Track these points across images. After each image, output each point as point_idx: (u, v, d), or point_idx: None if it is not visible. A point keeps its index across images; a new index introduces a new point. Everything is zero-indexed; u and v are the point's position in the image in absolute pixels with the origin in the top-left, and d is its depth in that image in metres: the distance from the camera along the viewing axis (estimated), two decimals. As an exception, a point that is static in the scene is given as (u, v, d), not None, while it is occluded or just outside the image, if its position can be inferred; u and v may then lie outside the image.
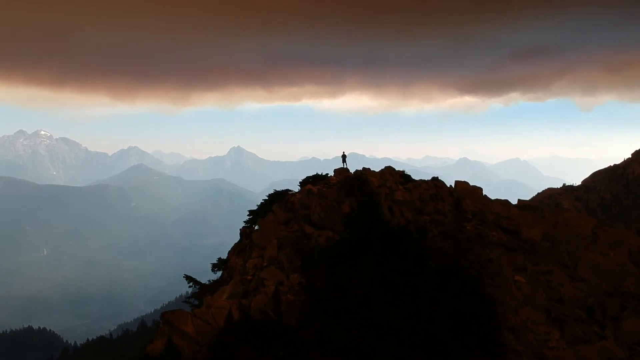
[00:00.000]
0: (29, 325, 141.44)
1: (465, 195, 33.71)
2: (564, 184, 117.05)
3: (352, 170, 37.22)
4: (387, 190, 32.44)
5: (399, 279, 22.62)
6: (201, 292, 30.03)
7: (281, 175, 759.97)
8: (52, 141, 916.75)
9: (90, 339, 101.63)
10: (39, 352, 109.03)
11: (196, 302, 29.28)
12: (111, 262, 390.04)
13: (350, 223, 26.93)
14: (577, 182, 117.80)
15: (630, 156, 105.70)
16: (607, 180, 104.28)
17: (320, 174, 38.15)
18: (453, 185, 36.10)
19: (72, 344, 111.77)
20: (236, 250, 32.85)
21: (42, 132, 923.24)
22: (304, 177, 39.88)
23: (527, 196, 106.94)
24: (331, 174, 38.04)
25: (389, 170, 36.65)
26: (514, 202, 36.89)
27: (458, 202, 30.44)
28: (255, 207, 37.53)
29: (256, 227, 33.42)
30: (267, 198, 36.67)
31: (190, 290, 36.96)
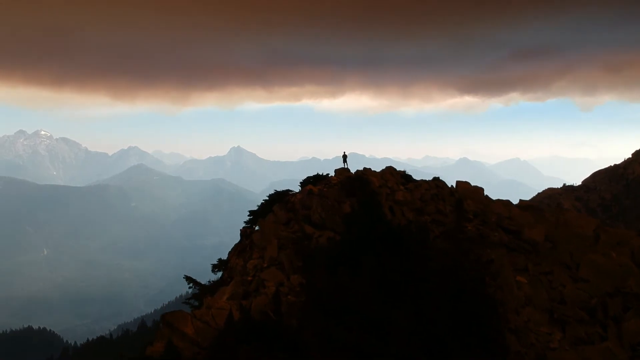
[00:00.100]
0: (29, 325, 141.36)
1: (467, 196, 33.61)
2: (564, 184, 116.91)
3: (352, 171, 37.10)
4: (388, 191, 32.33)
5: (400, 280, 22.53)
6: (201, 293, 29.92)
7: (281, 175, 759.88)
8: (52, 141, 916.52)
9: (90, 339, 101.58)
10: (39, 352, 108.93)
11: (196, 303, 29.16)
12: (111, 262, 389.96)
13: (351, 223, 26.82)
14: (578, 182, 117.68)
15: (630, 156, 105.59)
16: (607, 180, 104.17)
17: (320, 174, 38.02)
18: (454, 186, 36.01)
19: (72, 344, 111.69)
20: (236, 250, 32.73)
21: (42, 132, 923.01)
22: (304, 177, 39.76)
23: (527, 196, 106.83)
24: (331, 174, 37.92)
25: (389, 170, 36.54)
26: (514, 202, 36.80)
27: (459, 203, 30.33)
28: (255, 207, 37.42)
29: (256, 228, 33.30)
30: (267, 198, 36.56)
31: (190, 290, 36.86)
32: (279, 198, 35.16)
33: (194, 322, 20.19)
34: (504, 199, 35.87)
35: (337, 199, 30.78)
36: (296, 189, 37.74)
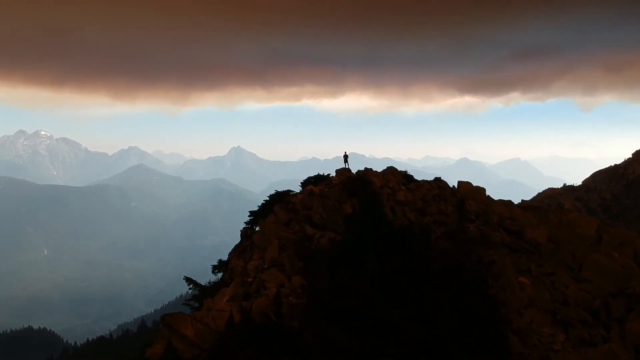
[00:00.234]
0: (29, 325, 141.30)
1: (468, 196, 33.44)
2: (564, 184, 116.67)
3: (353, 171, 36.92)
4: (390, 191, 32.16)
5: (401, 280, 22.37)
6: (201, 294, 29.74)
7: (281, 175, 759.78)
8: (52, 141, 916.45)
9: (90, 339, 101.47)
10: (39, 352, 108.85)
11: (196, 305, 28.99)
12: (111, 262, 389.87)
13: (352, 224, 26.64)
14: (578, 182, 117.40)
15: (630, 156, 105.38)
16: (607, 180, 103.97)
17: (321, 174, 37.85)
18: (456, 186, 35.84)
19: (72, 344, 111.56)
20: (237, 251, 32.55)
21: (42, 132, 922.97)
22: (304, 177, 39.59)
23: (528, 196, 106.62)
24: (331, 174, 37.75)
25: (391, 170, 36.37)
26: (515, 202, 36.62)
27: (461, 203, 30.15)
28: (255, 207, 37.24)
29: (257, 228, 33.12)
30: (268, 198, 36.37)
31: (190, 291, 36.67)
32: (279, 198, 34.99)
33: (194, 323, 20.04)
34: (504, 199, 35.71)
35: (338, 200, 30.61)
36: (296, 189, 37.58)
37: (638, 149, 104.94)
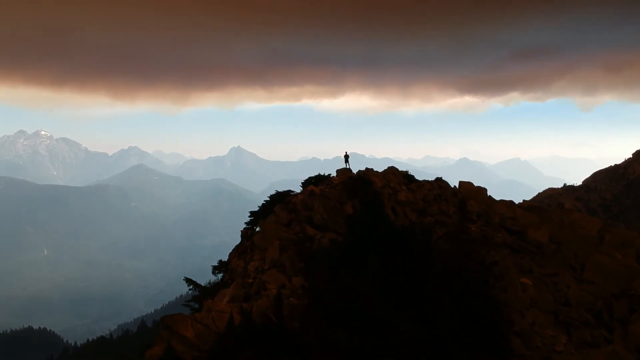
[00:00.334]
0: (29, 325, 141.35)
1: (470, 196, 33.28)
2: (564, 184, 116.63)
3: (354, 171, 36.78)
4: (391, 191, 32.02)
5: (403, 281, 22.23)
6: (201, 295, 29.59)
7: (281, 175, 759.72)
8: (52, 141, 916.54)
9: (90, 339, 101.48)
10: (39, 352, 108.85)
11: (196, 306, 28.85)
12: (111, 262, 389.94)
13: (353, 224, 26.49)
14: (578, 182, 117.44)
15: (631, 156, 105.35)
16: (607, 180, 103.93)
17: (322, 174, 37.72)
18: (457, 186, 35.69)
19: (72, 344, 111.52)
20: (237, 252, 32.41)
21: (42, 132, 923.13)
22: (304, 177, 39.48)
23: (528, 196, 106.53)
24: (331, 174, 37.63)
25: (392, 170, 36.22)
26: (515, 202, 36.46)
27: (463, 203, 29.99)
28: (255, 208, 37.13)
29: (257, 229, 32.99)
30: (268, 199, 36.24)
31: (190, 291, 36.55)
32: (280, 198, 34.86)
33: (194, 325, 19.89)
34: (505, 199, 35.58)
35: (339, 200, 30.48)
36: (297, 189, 37.45)
37: (638, 149, 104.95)
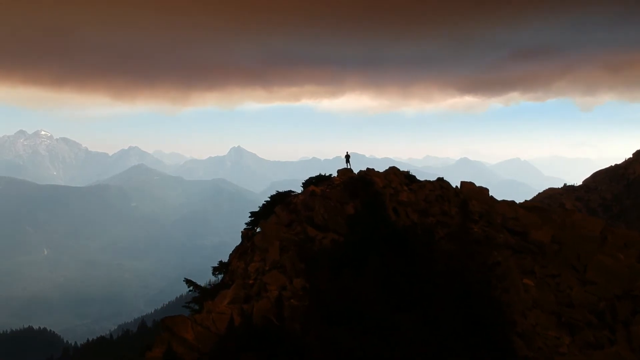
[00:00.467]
0: (29, 325, 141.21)
1: (472, 196, 33.10)
2: (564, 184, 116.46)
3: (355, 171, 36.59)
4: (392, 191, 31.83)
5: (404, 282, 22.08)
6: (202, 296, 29.41)
7: (281, 176, 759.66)
8: (52, 141, 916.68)
9: (90, 339, 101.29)
10: (39, 352, 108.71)
11: (196, 307, 28.66)
12: (111, 262, 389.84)
13: (354, 225, 26.33)
14: (578, 182, 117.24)
15: (631, 156, 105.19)
16: (608, 180, 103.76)
17: (323, 174, 37.52)
18: (458, 186, 35.51)
19: (73, 344, 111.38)
20: (237, 253, 32.23)
21: (43, 132, 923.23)
22: (304, 177, 39.29)
23: (528, 196, 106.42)
24: (332, 174, 37.44)
25: (393, 170, 36.02)
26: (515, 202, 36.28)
27: (465, 204, 29.82)
28: (255, 208, 36.96)
29: (258, 229, 32.80)
30: (269, 199, 36.05)
31: (190, 292, 36.39)
32: (280, 199, 34.67)
33: (194, 327, 19.73)
34: (505, 199, 35.42)
35: (340, 200, 30.30)
36: (297, 189, 37.28)
37: (638, 149, 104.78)
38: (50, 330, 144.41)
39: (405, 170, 38.21)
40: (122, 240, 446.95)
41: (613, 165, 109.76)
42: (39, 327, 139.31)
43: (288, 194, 35.49)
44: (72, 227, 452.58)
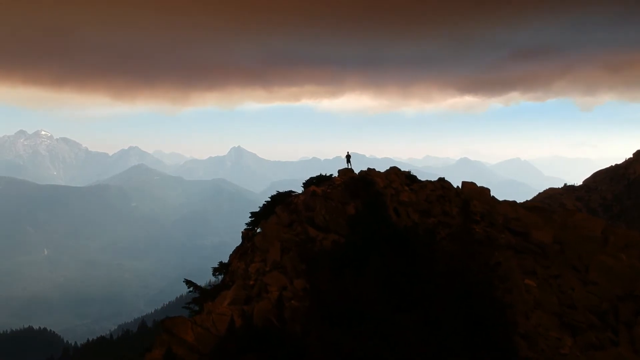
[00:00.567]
0: (29, 325, 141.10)
1: (473, 197, 32.96)
2: (565, 184, 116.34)
3: (355, 171, 36.46)
4: (393, 191, 31.70)
5: (405, 283, 21.97)
6: (202, 297, 29.25)
7: (281, 176, 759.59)
8: (53, 141, 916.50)
9: (90, 339, 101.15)
10: (39, 352, 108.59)
11: (196, 308, 28.49)
12: (111, 262, 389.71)
13: (355, 225, 26.21)
14: (578, 182, 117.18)
15: (631, 156, 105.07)
16: (608, 180, 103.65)
17: (324, 174, 37.38)
18: (459, 186, 35.37)
19: (72, 344, 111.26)
20: (238, 253, 32.08)
21: (43, 132, 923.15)
22: (304, 177, 39.15)
23: (528, 196, 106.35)
24: (332, 174, 37.31)
25: (394, 170, 35.89)
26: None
27: (466, 204, 29.66)
28: (256, 208, 36.81)
29: (258, 230, 32.66)
30: (269, 199, 35.91)
31: (190, 293, 36.25)
32: (281, 199, 34.51)
33: (194, 328, 19.60)
34: (505, 199, 35.32)
35: (341, 201, 30.17)
36: (297, 189, 37.14)
37: (638, 149, 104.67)
38: (50, 330, 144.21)
39: (406, 170, 38.11)
40: (122, 240, 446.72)
41: (613, 165, 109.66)
42: (39, 327, 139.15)
43: (288, 194, 35.35)
44: (72, 227, 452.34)
